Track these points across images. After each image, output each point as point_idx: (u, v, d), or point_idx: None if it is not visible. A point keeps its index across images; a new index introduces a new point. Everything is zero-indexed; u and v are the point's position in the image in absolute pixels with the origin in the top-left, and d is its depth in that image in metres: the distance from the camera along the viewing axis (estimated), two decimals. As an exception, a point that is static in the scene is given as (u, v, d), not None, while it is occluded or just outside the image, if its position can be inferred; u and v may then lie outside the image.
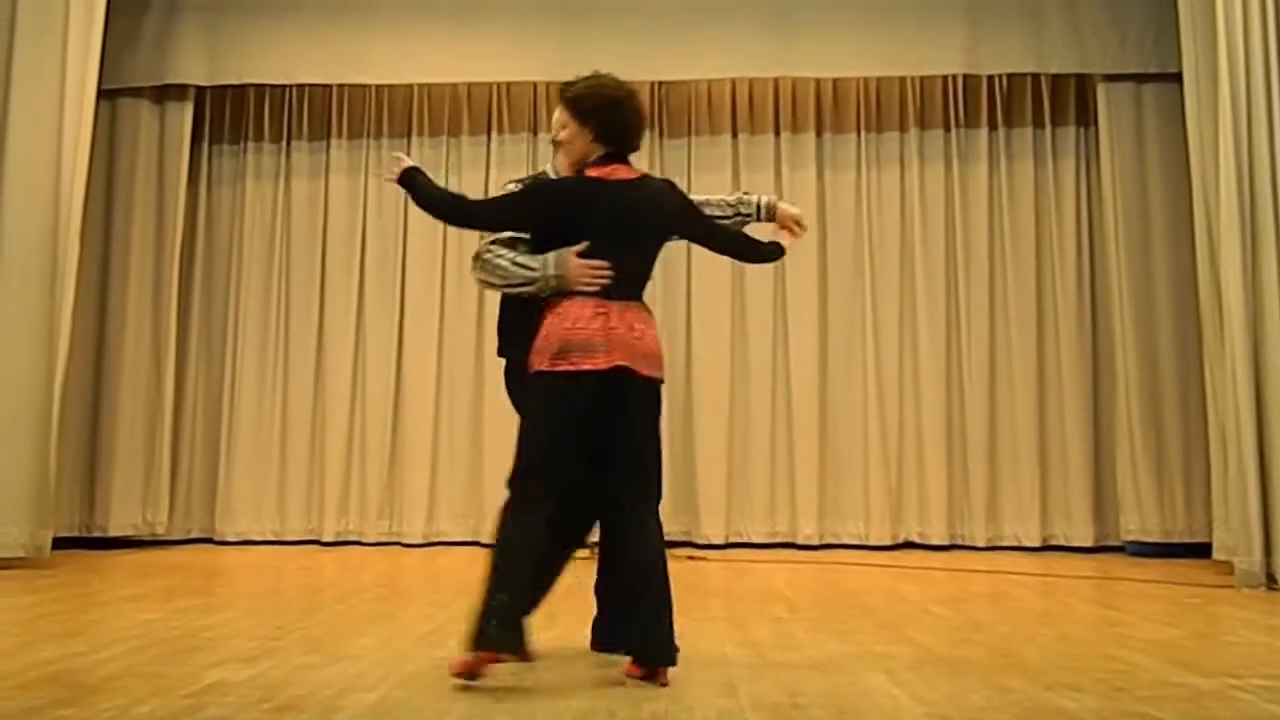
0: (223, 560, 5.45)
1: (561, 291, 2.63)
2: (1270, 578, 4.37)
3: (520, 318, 2.78)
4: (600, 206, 2.67)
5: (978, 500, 6.03)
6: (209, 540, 6.25)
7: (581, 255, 2.63)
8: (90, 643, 3.00)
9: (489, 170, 6.48)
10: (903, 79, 6.36)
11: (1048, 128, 6.29)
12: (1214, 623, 3.59)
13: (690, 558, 5.57)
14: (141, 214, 6.27)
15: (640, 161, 7.19)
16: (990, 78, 6.31)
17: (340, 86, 6.50)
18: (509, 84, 6.45)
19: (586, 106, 2.71)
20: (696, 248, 6.59)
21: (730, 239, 2.99)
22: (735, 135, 6.43)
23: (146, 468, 6.12)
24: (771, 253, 2.98)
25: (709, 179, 6.41)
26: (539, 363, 2.60)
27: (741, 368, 6.27)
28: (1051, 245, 6.23)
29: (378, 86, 6.48)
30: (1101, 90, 6.06)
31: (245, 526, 6.27)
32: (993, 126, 6.32)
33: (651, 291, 6.28)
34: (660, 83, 6.44)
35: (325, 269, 6.48)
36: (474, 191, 6.42)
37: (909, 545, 6.04)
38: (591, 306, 2.60)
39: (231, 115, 6.59)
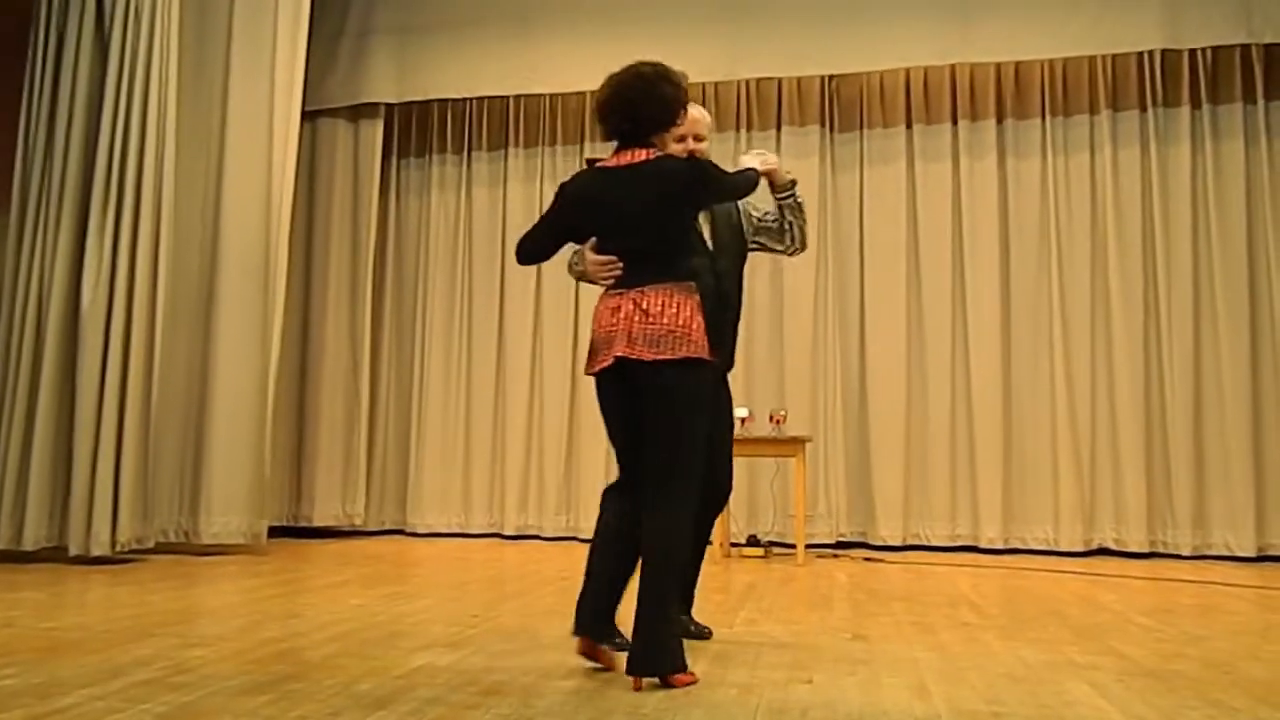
0: (414, 551, 5.77)
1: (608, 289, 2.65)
2: None
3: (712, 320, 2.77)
4: (603, 197, 2.64)
5: (1182, 505, 5.63)
6: (400, 532, 6.64)
7: (596, 250, 2.65)
8: (308, 624, 3.24)
9: (659, 172, 6.56)
10: (1092, 58, 6.02)
11: (1260, 103, 5.80)
12: None
13: (866, 559, 5.46)
14: (339, 225, 6.74)
15: (810, 159, 7.06)
16: (1192, 52, 5.88)
17: (517, 97, 6.76)
18: (678, 86, 6.51)
19: (597, 106, 2.70)
20: (872, 247, 6.37)
21: (728, 189, 2.75)
22: (910, 126, 6.26)
23: (346, 463, 6.58)
24: (741, 183, 2.77)
25: (882, 172, 6.28)
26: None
27: (918, 363, 6.10)
28: (1265, 229, 5.74)
29: (552, 95, 6.70)
30: (1324, 58, 5.54)
31: (433, 520, 6.62)
32: (1195, 104, 5.89)
33: (823, 284, 6.13)
34: (830, 76, 6.35)
35: (504, 273, 6.75)
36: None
37: (1104, 552, 5.71)
38: (610, 302, 2.61)
39: (418, 129, 6.97)
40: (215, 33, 5.58)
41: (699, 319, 2.57)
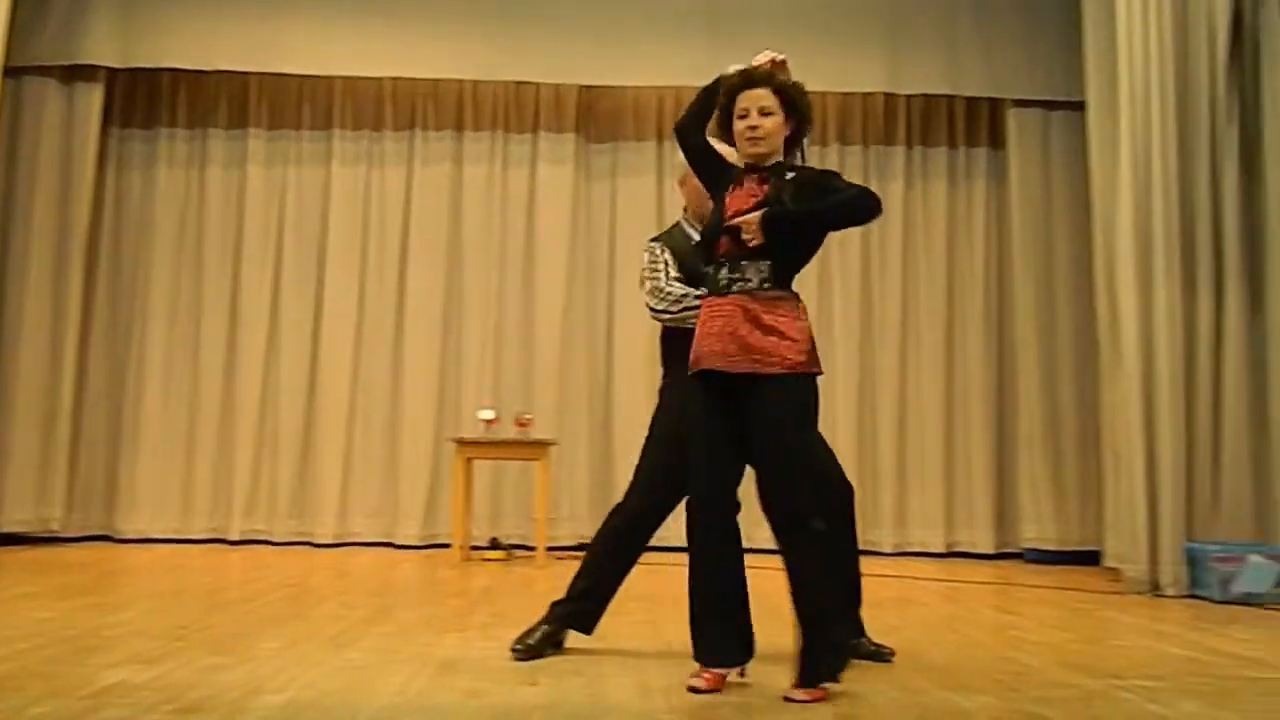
0: (123, 559, 5.27)
1: None
2: (1155, 585, 4.61)
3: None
4: None
5: (886, 507, 6.20)
6: (107, 538, 6.04)
7: None
8: (-20, 642, 2.87)
9: (412, 166, 6.41)
10: (825, 93, 6.49)
11: (961, 149, 6.50)
12: (1103, 627, 3.76)
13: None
14: (44, 197, 6.03)
15: (565, 166, 7.14)
16: (909, 97, 6.49)
17: (260, 75, 6.35)
18: (436, 81, 6.39)
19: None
20: (622, 255, 6.46)
21: None
22: (661, 142, 6.48)
23: (42, 462, 5.89)
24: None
25: (633, 184, 6.47)
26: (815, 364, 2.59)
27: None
28: (963, 264, 6.45)
29: (299, 77, 6.35)
30: (1011, 115, 6.30)
31: (146, 524, 6.07)
32: (910, 145, 6.51)
33: (573, 289, 6.16)
34: (587, 87, 6.46)
35: (240, 261, 6.33)
36: (395, 188, 6.39)
37: (820, 551, 6.17)
38: None
39: (145, 99, 6.38)
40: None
41: (698, 331, 2.64)
